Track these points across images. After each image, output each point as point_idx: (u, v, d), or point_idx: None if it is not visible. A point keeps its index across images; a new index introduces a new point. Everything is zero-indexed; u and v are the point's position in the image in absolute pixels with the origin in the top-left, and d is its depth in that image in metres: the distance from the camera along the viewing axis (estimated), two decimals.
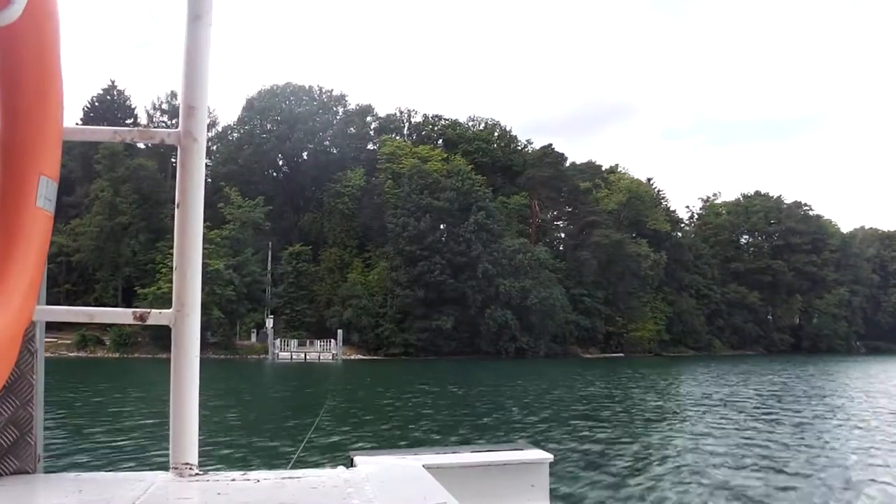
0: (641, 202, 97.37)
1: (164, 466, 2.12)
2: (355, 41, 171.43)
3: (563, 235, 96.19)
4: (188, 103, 1.99)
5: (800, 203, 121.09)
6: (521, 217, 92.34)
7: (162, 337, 70.73)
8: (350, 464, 2.59)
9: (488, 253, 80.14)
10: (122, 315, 2.15)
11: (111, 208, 71.93)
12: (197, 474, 2.07)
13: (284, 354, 71.01)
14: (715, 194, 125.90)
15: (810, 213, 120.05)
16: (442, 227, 79.70)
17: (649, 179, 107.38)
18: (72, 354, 65.28)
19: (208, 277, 72.33)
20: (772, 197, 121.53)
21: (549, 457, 3.10)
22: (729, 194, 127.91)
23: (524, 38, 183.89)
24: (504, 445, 3.34)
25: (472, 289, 78.60)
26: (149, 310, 2.06)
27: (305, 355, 71.30)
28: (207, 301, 72.26)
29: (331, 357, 71.88)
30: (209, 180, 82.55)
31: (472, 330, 79.20)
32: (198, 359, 2.04)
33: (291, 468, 2.38)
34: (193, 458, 2.07)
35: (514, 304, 78.52)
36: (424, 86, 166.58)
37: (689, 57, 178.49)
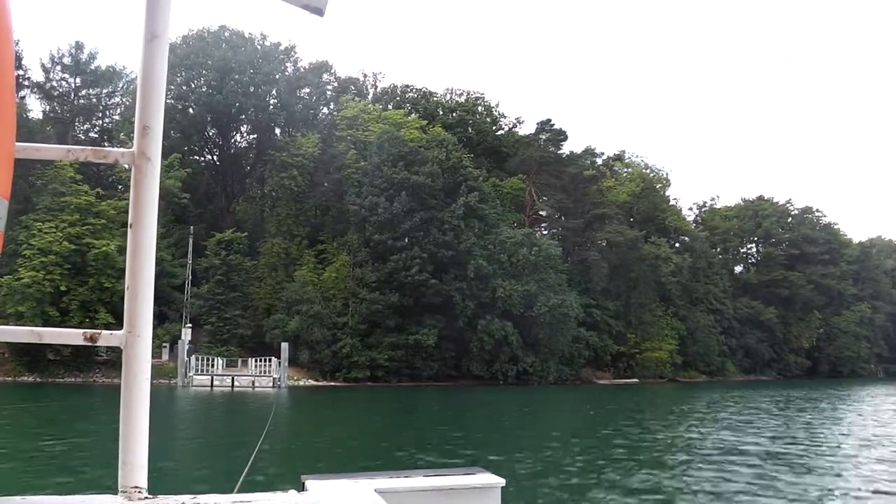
0: (657, 194, 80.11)
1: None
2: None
3: (561, 229, 77.61)
4: (143, 123, 1.92)
5: (810, 208, 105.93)
6: (515, 205, 73.82)
7: (28, 353, 49.92)
8: (301, 487, 2.54)
9: (482, 246, 61.66)
10: (71, 336, 2.02)
11: None
12: (146, 498, 2.00)
13: (202, 378, 50.80)
14: (713, 198, 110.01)
15: (823, 219, 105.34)
16: (422, 211, 60.42)
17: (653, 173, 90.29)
18: None
19: (92, 265, 51.16)
20: (777, 202, 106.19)
21: (501, 481, 3.02)
22: (724, 201, 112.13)
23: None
24: (457, 470, 3.21)
25: (462, 292, 60.02)
26: (99, 331, 1.93)
27: (233, 380, 51.16)
28: (90, 299, 51.14)
29: (270, 383, 51.85)
30: (107, 143, 62.73)
31: (461, 347, 60.39)
32: (148, 381, 1.96)
33: (238, 491, 2.29)
34: (143, 481, 1.99)
35: (515, 313, 60.10)
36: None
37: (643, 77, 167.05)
